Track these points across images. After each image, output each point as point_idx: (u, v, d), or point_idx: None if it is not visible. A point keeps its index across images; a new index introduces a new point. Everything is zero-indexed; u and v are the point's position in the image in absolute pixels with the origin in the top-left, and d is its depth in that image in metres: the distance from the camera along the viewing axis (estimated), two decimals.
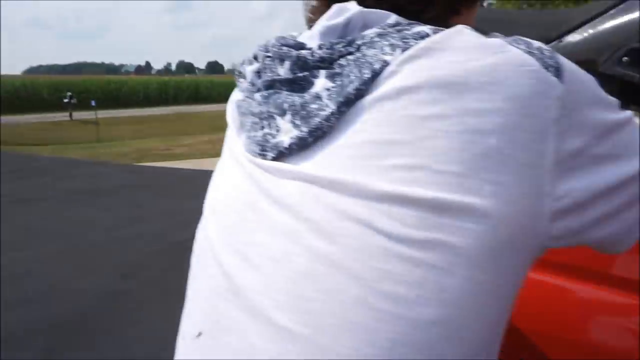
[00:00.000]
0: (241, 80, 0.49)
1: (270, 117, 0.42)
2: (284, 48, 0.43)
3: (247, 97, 0.47)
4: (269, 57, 0.44)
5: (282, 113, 0.41)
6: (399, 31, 0.40)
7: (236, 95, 0.50)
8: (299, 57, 0.42)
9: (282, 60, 0.43)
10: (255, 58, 0.47)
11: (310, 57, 0.41)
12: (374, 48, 0.39)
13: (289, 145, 0.40)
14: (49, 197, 6.03)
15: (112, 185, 6.67)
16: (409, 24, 0.41)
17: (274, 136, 0.41)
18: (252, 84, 0.47)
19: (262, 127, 0.42)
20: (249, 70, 0.47)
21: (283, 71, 0.43)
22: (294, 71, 0.42)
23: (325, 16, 0.44)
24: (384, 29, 0.41)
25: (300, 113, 0.40)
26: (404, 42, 0.38)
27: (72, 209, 5.52)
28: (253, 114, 0.44)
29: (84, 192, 6.32)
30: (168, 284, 3.26)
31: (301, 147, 0.39)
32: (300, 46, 0.43)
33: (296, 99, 0.41)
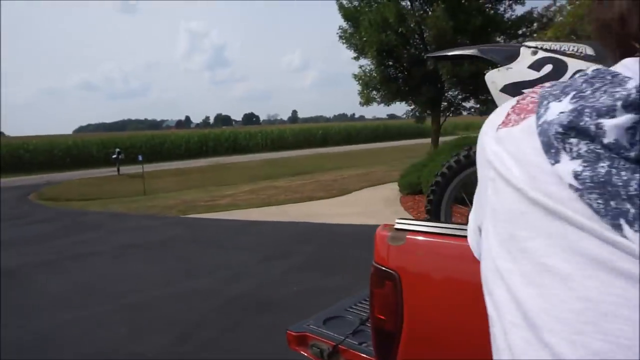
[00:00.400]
0: (583, 141, 0.37)
1: None
2: None
3: (612, 167, 0.35)
4: None
5: None
6: None
7: (567, 166, 0.37)
8: None
9: None
10: (610, 110, 0.36)
11: None
12: None
13: None
14: (102, 251, 6.09)
15: (161, 238, 6.71)
16: None
17: None
18: (622, 147, 0.35)
19: None
20: (613, 125, 0.35)
21: None
22: None
23: None
24: None
25: None
26: None
27: (124, 264, 5.53)
28: None
29: (134, 246, 6.36)
30: (229, 344, 3.13)
31: None
32: None
33: None
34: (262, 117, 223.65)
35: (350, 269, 4.63)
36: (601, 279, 0.33)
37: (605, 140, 0.35)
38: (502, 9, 11.56)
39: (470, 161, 1.71)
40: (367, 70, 12.45)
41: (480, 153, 0.48)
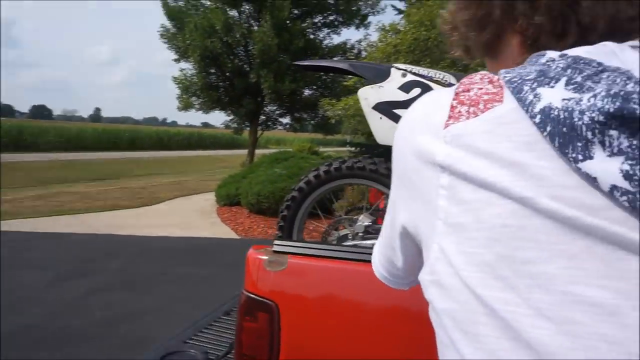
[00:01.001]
0: (624, 134, 0.30)
1: None
2: None
3: None
4: None
5: None
6: None
7: (608, 164, 0.30)
8: None
9: None
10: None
11: None
12: None
13: None
14: None
15: None
16: None
17: None
18: None
19: None
20: None
21: None
22: None
23: None
24: None
25: None
26: None
27: None
28: None
29: None
30: None
31: None
32: None
33: None
34: (56, 112, 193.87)
35: (168, 287, 4.20)
36: None
37: None
38: (321, 35, 12.42)
39: (330, 177, 1.65)
40: (188, 74, 11.95)
41: (413, 158, 0.40)
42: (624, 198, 0.29)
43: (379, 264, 0.58)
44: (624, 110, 0.29)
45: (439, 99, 0.41)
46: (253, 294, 1.02)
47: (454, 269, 0.35)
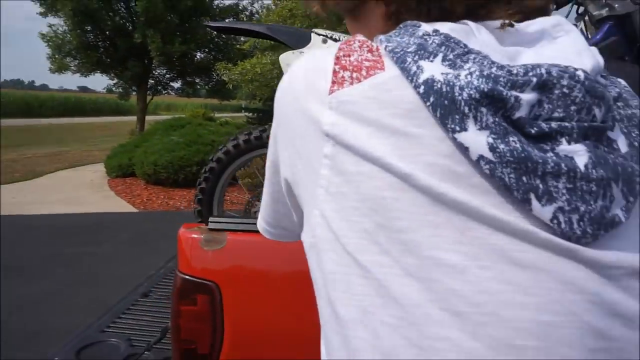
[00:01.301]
0: (490, 111, 0.35)
1: (607, 184, 0.34)
2: (598, 86, 0.36)
3: (522, 142, 0.34)
4: (587, 92, 0.35)
5: (616, 177, 0.34)
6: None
7: (478, 136, 0.34)
8: (610, 101, 0.37)
9: (598, 102, 0.35)
10: (525, 84, 0.35)
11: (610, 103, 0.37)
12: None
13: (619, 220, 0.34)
14: None
15: None
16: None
17: (608, 209, 0.34)
18: (526, 123, 0.35)
19: (596, 197, 0.34)
20: (527, 100, 0.34)
21: (599, 116, 0.36)
22: (604, 117, 0.36)
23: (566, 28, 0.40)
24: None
25: (625, 177, 0.35)
26: None
27: None
28: (574, 176, 0.34)
29: None
30: None
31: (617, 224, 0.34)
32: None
33: (619, 159, 0.35)
34: None
35: (64, 270, 3.84)
36: (499, 269, 0.33)
37: (516, 115, 0.34)
38: None
39: (250, 146, 1.60)
40: (59, 31, 10.60)
41: (300, 122, 0.40)
42: (487, 167, 0.34)
43: (264, 223, 0.58)
44: (494, 91, 0.34)
45: (320, 62, 0.41)
46: (189, 276, 0.96)
47: (335, 235, 0.37)
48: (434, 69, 0.36)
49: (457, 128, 0.34)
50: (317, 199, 0.39)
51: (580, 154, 0.34)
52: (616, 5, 1.70)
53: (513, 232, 0.34)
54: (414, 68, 0.36)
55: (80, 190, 7.30)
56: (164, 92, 13.16)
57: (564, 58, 0.37)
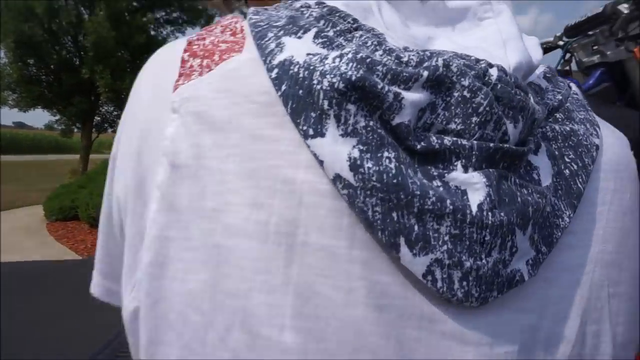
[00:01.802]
0: (363, 111, 0.25)
1: (510, 231, 0.25)
2: (517, 92, 0.27)
3: (400, 161, 0.24)
4: (498, 100, 0.26)
5: (525, 224, 0.26)
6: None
7: (339, 146, 0.24)
8: (535, 114, 0.27)
9: (513, 115, 0.26)
10: (411, 80, 0.25)
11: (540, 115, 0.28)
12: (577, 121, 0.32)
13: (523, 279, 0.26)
14: None
15: None
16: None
17: (506, 264, 0.26)
18: (410, 133, 0.25)
19: (490, 249, 0.25)
20: (412, 101, 0.25)
21: (513, 135, 0.27)
22: (522, 136, 0.27)
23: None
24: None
25: (539, 221, 0.27)
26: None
27: None
28: (462, 219, 0.24)
29: None
30: None
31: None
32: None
33: (534, 195, 0.27)
34: None
35: None
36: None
37: (396, 120, 0.25)
38: (165, 32, 11.67)
39: None
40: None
41: (137, 141, 0.30)
42: (345, 192, 0.24)
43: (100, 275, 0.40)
44: (366, 81, 0.24)
45: (169, 52, 0.31)
46: None
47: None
48: (298, 48, 0.26)
49: (311, 131, 0.25)
50: (142, 243, 0.28)
51: (476, 188, 0.25)
52: (608, 53, 1.72)
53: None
54: (272, 45, 0.27)
55: (15, 235, 6.69)
56: (110, 129, 12.65)
57: (483, 49, 0.28)
